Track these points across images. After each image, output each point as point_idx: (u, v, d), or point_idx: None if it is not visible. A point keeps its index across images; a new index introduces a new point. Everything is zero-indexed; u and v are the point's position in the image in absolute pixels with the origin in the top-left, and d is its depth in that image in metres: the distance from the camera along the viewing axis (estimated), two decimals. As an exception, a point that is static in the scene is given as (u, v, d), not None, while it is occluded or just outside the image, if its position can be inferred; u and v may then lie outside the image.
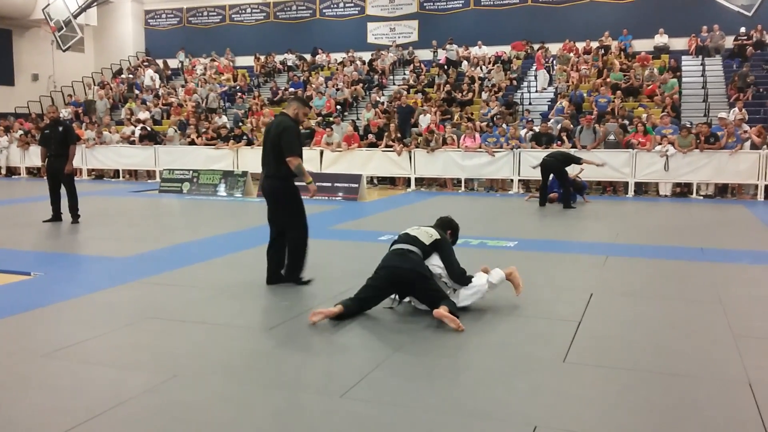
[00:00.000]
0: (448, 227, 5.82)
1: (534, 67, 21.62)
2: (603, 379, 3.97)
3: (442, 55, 23.15)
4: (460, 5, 24.80)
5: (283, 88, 23.32)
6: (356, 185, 14.15)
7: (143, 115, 21.74)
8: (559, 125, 16.17)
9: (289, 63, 25.59)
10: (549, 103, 19.32)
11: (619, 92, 18.23)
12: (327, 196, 13.71)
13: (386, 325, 5.08)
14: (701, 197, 14.50)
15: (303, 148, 6.24)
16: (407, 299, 5.45)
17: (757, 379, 3.89)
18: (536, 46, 22.65)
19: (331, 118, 19.13)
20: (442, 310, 4.86)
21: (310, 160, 16.72)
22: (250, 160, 17.31)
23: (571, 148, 15.01)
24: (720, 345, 4.56)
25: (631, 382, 3.92)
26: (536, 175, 15.32)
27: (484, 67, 22.11)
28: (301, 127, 7.12)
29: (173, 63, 27.54)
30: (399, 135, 16.95)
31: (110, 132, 20.00)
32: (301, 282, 6.26)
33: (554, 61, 21.52)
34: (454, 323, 4.80)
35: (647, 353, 4.40)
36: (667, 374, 4.03)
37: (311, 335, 4.81)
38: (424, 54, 24.26)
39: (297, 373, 4.05)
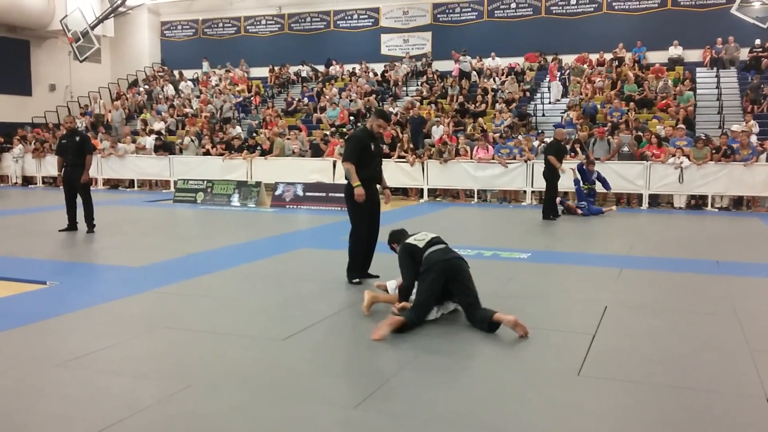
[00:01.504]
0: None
1: (547, 79, 21.64)
2: (617, 393, 3.94)
3: (449, 66, 23.20)
4: (474, 17, 24.88)
5: (297, 99, 23.45)
6: (369, 196, 14.15)
7: (158, 125, 21.93)
8: (573, 137, 16.12)
9: (303, 74, 25.76)
10: (562, 114, 19.29)
11: (632, 104, 18.20)
12: (340, 207, 13.72)
13: (399, 336, 5.07)
14: (716, 209, 14.40)
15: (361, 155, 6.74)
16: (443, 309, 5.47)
17: (775, 395, 3.85)
18: (549, 58, 22.68)
19: (344, 129, 19.20)
20: (501, 315, 4.95)
21: (323, 170, 16.81)
22: (264, 170, 17.42)
23: (585, 159, 14.96)
24: (736, 359, 4.51)
25: (646, 395, 3.89)
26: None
27: (497, 78, 22.13)
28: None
29: (189, 74, 27.78)
30: (412, 146, 16.98)
31: (126, 143, 20.16)
32: (351, 282, 6.72)
33: (569, 73, 21.51)
34: (521, 329, 4.92)
35: (662, 367, 4.36)
36: (683, 388, 3.99)
37: (325, 346, 4.82)
38: (438, 65, 24.32)
39: (311, 384, 4.04)
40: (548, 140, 16.26)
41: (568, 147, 15.67)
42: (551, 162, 12.24)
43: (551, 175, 12.32)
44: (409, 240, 5.63)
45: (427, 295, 5.25)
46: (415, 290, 5.46)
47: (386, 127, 6.82)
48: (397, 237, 5.87)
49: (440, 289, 5.29)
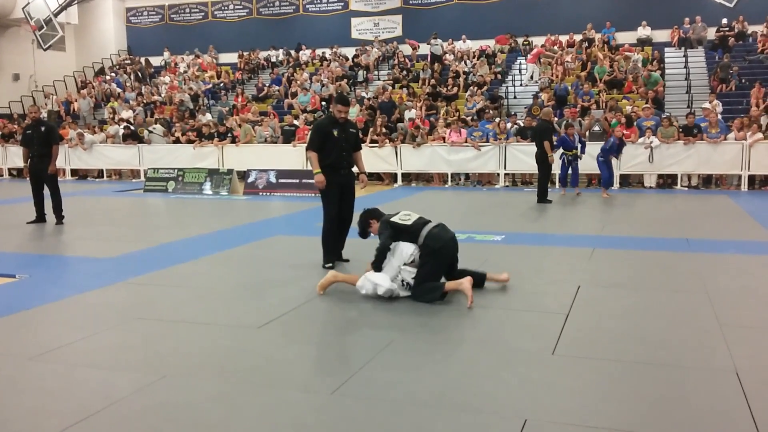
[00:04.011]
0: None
1: (521, 61, 21.72)
2: (592, 371, 4.00)
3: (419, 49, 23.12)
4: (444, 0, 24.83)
5: (268, 84, 23.24)
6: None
7: (126, 113, 21.59)
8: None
9: (274, 59, 25.52)
10: (534, 96, 19.38)
11: (602, 84, 18.33)
12: (314, 193, 13.66)
13: (374, 321, 5.08)
14: (685, 188, 14.61)
15: (321, 142, 6.91)
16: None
17: (744, 368, 3.93)
18: (520, 40, 22.75)
19: (315, 115, 19.08)
20: (467, 283, 5.34)
21: (296, 157, 16.70)
22: (236, 157, 17.27)
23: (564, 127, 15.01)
24: (706, 335, 4.60)
25: (619, 373, 3.95)
26: (523, 168, 15.49)
27: (468, 61, 22.13)
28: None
29: (156, 61, 27.36)
30: (385, 130, 16.94)
31: (93, 133, 19.81)
32: (325, 266, 6.77)
33: (540, 55, 21.55)
34: (470, 298, 5.27)
35: (635, 344, 4.43)
36: (655, 364, 4.06)
37: (300, 333, 4.81)
38: (407, 48, 24.25)
39: (287, 372, 4.04)
40: (521, 123, 16.36)
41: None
42: (546, 148, 12.12)
43: (544, 157, 12.20)
44: (393, 219, 5.76)
45: (439, 274, 5.53)
46: (403, 257, 5.58)
47: (345, 111, 6.93)
48: (376, 213, 6.02)
49: (444, 268, 5.58)
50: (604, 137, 15.07)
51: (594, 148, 13.84)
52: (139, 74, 26.19)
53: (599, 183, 15.16)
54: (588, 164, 14.17)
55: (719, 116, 15.19)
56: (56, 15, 23.78)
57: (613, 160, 13.65)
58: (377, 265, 5.63)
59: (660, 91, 17.90)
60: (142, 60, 27.33)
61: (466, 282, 5.37)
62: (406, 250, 5.57)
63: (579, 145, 13.38)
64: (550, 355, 4.24)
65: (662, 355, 4.23)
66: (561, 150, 13.32)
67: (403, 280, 5.54)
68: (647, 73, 18.31)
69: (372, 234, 6.01)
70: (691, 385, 3.76)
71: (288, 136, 17.56)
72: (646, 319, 5.01)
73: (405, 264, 5.55)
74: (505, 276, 5.90)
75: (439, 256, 5.52)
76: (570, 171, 13.52)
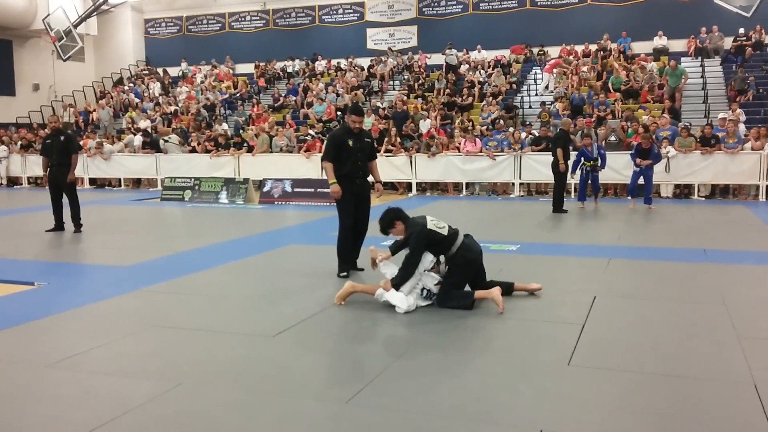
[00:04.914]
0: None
1: (536, 71, 21.68)
2: (608, 382, 3.97)
3: (436, 59, 23.18)
4: (459, 10, 24.89)
5: (284, 94, 23.37)
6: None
7: (144, 123, 21.79)
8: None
9: (290, 69, 25.67)
10: (549, 106, 19.32)
11: (618, 94, 18.25)
12: (329, 202, 13.71)
13: (390, 330, 5.08)
14: (702, 198, 14.49)
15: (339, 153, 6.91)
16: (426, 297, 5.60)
17: (763, 380, 3.88)
18: (536, 50, 22.73)
19: (331, 125, 19.16)
20: (496, 291, 5.45)
21: (311, 166, 16.74)
22: (252, 167, 17.36)
23: (573, 150, 14.98)
24: (724, 346, 4.55)
25: (635, 384, 3.92)
26: (538, 178, 15.44)
27: (483, 71, 22.14)
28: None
29: (173, 71, 27.63)
30: (399, 139, 16.98)
31: (112, 143, 20.00)
32: (339, 275, 6.82)
33: (557, 65, 21.53)
34: (500, 305, 5.35)
35: (651, 355, 4.39)
36: (672, 376, 4.02)
37: (315, 342, 4.82)
38: (423, 58, 24.29)
39: (302, 380, 4.04)
40: (535, 132, 16.33)
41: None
42: (558, 156, 12.17)
43: (559, 167, 12.21)
44: (429, 227, 5.51)
45: (465, 283, 5.64)
46: (426, 264, 5.54)
47: (360, 121, 6.99)
48: (402, 215, 5.66)
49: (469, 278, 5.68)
50: (620, 147, 15.02)
51: (612, 159, 13.74)
52: (163, 84, 26.45)
53: (615, 193, 15.12)
54: (605, 174, 14.05)
55: (743, 125, 15.04)
56: (76, 26, 24.10)
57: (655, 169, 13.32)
58: (398, 286, 5.46)
59: (678, 97, 17.77)
60: (160, 71, 27.61)
61: (495, 291, 5.46)
62: (426, 258, 5.56)
63: (599, 157, 13.15)
64: (566, 365, 4.22)
65: (679, 366, 4.19)
66: (581, 163, 13.15)
67: (423, 288, 5.53)
68: (674, 64, 18.00)
69: (392, 235, 5.75)
70: (708, 397, 3.73)
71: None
72: (663, 330, 4.97)
73: (426, 270, 5.53)
74: (536, 285, 5.98)
75: (469, 268, 5.60)
76: (590, 181, 13.38)
